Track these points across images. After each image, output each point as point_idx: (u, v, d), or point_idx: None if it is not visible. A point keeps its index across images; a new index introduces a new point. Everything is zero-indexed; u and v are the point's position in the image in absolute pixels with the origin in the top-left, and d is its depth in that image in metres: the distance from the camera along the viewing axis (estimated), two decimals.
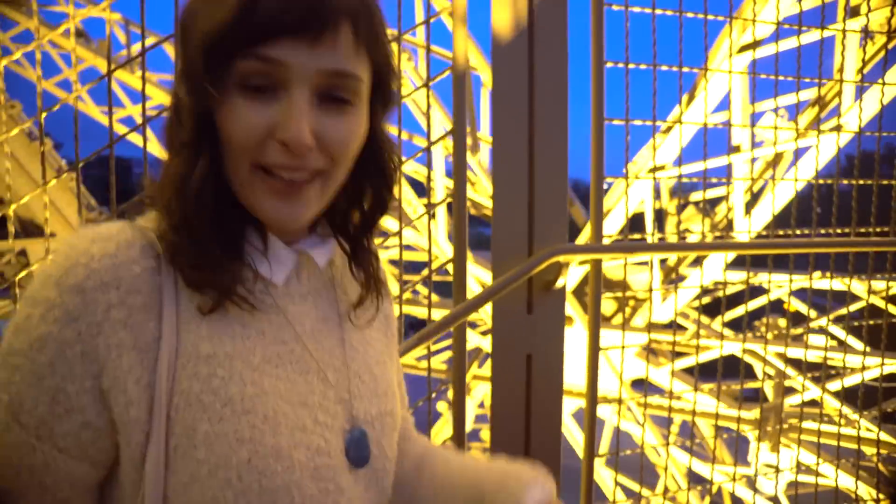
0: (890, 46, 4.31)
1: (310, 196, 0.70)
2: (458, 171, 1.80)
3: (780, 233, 2.37)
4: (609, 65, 1.92)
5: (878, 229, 2.35)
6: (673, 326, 3.10)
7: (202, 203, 0.67)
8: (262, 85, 0.65)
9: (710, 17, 2.04)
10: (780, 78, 2.29)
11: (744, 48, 4.15)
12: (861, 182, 2.38)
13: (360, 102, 0.71)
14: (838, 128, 4.02)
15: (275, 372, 0.72)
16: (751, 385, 6.76)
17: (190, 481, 0.65)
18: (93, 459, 0.67)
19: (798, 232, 2.36)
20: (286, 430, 0.70)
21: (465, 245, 1.82)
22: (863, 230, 2.39)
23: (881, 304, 4.45)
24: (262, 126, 0.66)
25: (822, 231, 2.39)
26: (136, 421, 0.65)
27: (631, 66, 1.95)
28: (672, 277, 5.83)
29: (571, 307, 5.49)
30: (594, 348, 1.96)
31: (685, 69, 2.06)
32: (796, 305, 6.52)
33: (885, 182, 2.40)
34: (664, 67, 1.99)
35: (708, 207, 5.73)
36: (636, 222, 5.54)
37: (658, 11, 1.96)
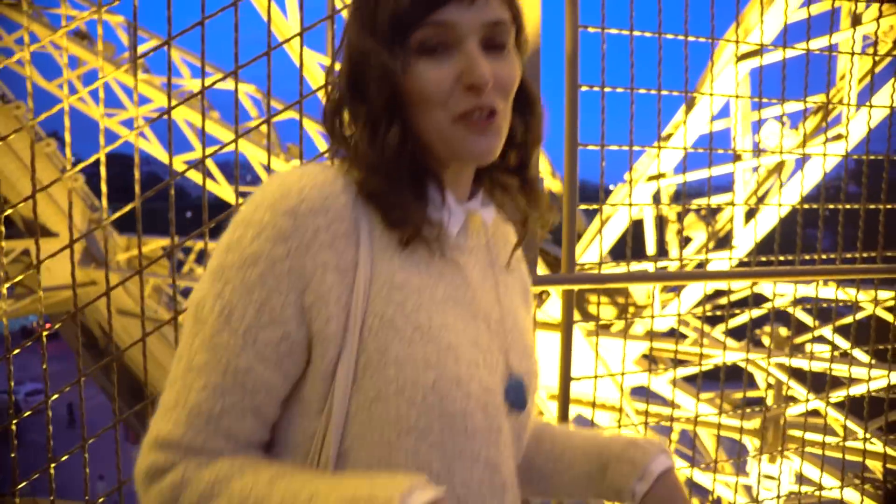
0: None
1: (495, 130, 0.79)
2: None
3: (763, 258, 2.32)
4: (584, 88, 1.87)
5: (864, 255, 2.32)
6: (676, 335, 3.08)
7: (400, 158, 0.77)
8: (438, 45, 0.76)
9: (691, 38, 1.99)
10: (764, 99, 2.26)
11: (744, 56, 4.14)
12: (848, 207, 2.35)
13: (511, 47, 0.81)
14: (838, 136, 3.99)
15: (452, 311, 0.80)
16: (753, 394, 6.77)
17: (375, 398, 0.73)
18: (286, 371, 0.74)
19: (782, 258, 2.32)
20: (464, 362, 0.78)
21: None
22: (848, 255, 2.34)
23: (886, 315, 4.43)
24: (450, 77, 0.76)
25: (807, 257, 2.35)
26: (333, 336, 0.73)
27: (607, 89, 1.88)
28: (673, 285, 5.82)
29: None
30: (566, 378, 1.91)
31: (664, 92, 1.99)
32: (800, 315, 6.52)
33: (871, 206, 2.37)
34: (642, 91, 1.93)
35: (709, 215, 5.72)
36: (637, 227, 5.54)
37: (636, 33, 1.90)
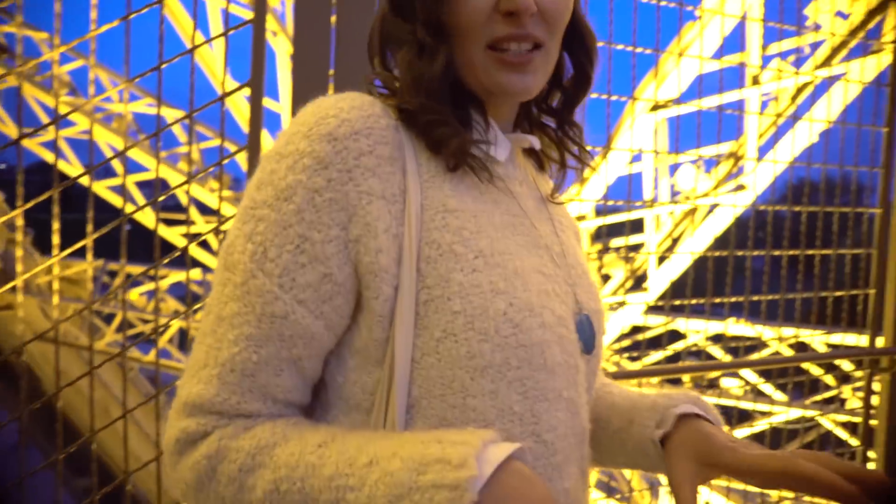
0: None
1: (536, 66, 0.72)
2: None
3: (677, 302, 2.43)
4: None
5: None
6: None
7: (434, 86, 0.70)
8: None
9: (614, 97, 2.11)
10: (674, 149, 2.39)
11: (657, 107, 4.37)
12: (755, 253, 2.50)
13: None
14: (741, 187, 4.25)
15: (513, 238, 0.72)
16: None
17: (443, 336, 0.64)
18: (328, 318, 0.65)
19: (694, 301, 2.43)
20: (534, 289, 0.70)
21: None
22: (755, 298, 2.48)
23: (788, 351, 4.68)
24: (487, 3, 0.69)
25: (717, 300, 2.47)
26: (387, 270, 0.64)
27: None
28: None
29: None
30: None
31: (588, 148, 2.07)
32: (713, 350, 6.79)
33: (775, 252, 2.53)
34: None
35: (628, 254, 5.92)
36: None
37: None
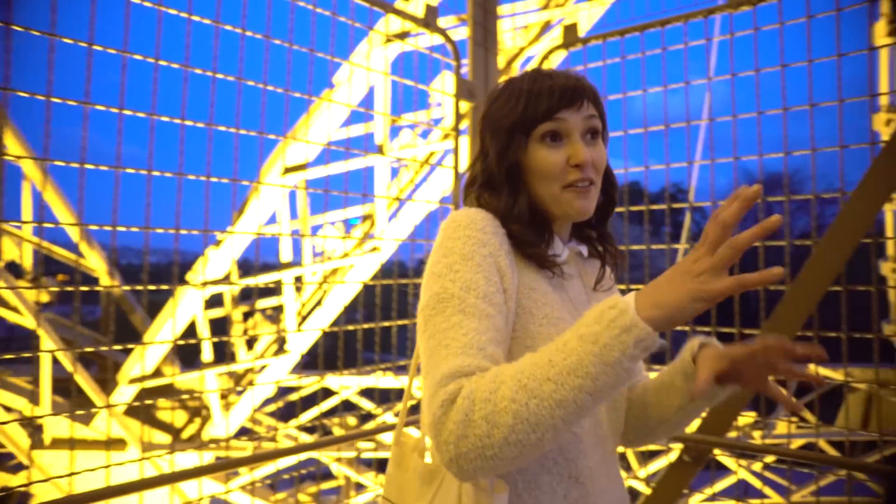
0: (416, 178, 5.18)
1: (592, 195, 1.15)
2: None
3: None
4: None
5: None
6: (251, 435, 3.00)
7: (524, 217, 1.14)
8: (556, 135, 1.13)
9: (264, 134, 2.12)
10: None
11: (290, 170, 4.50)
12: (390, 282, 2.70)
13: (601, 138, 1.18)
14: (374, 248, 4.58)
15: (562, 310, 1.12)
16: (329, 485, 7.02)
17: (520, 354, 0.97)
18: (508, 321, 1.04)
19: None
20: None
21: None
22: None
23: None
24: (563, 158, 1.13)
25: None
26: (512, 312, 1.05)
27: None
28: (243, 384, 5.76)
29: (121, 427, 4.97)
30: None
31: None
32: (365, 404, 7.08)
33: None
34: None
35: (274, 314, 5.89)
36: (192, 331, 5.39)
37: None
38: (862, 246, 2.18)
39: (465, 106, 3.00)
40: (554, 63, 2.89)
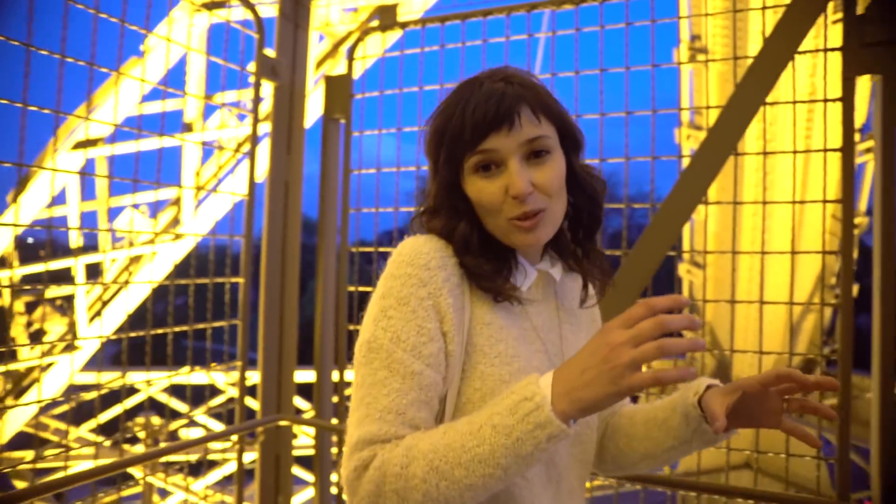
0: (232, 161, 4.86)
1: (544, 224, 1.03)
2: None
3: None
4: None
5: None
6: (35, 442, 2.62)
7: (470, 243, 1.05)
8: (488, 165, 1.02)
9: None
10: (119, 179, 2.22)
11: (82, 145, 4.03)
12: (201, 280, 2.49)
13: (554, 151, 1.04)
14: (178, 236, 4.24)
15: (522, 346, 1.05)
16: (130, 491, 6.43)
17: (467, 401, 0.99)
18: (442, 374, 0.99)
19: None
20: (525, 377, 0.95)
21: None
22: None
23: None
24: (500, 190, 1.01)
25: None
26: (453, 355, 0.99)
27: None
28: (10, 388, 5.09)
29: None
30: None
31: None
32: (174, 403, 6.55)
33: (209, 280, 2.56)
34: None
35: (66, 305, 5.27)
36: None
37: None
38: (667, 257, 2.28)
39: (270, 87, 2.81)
40: (370, 47, 2.78)
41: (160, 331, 2.47)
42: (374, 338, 0.97)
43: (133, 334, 2.39)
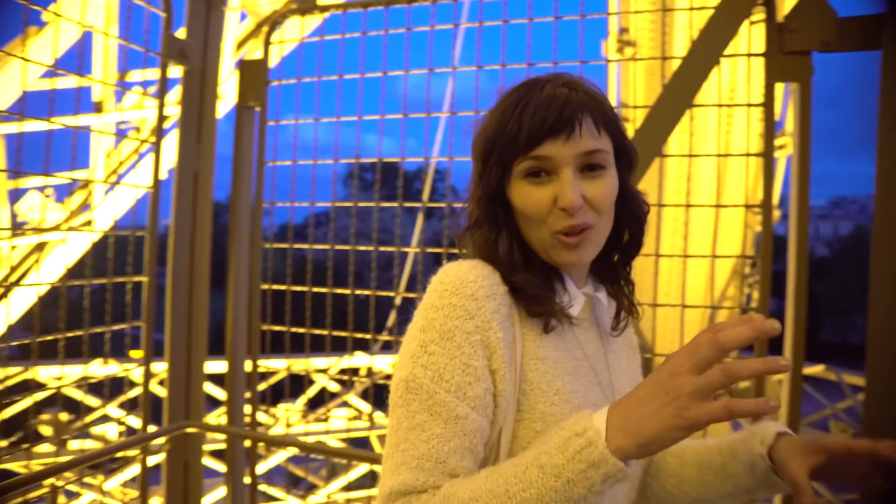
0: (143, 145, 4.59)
1: (589, 243, 0.95)
2: None
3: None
4: None
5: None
6: None
7: (513, 260, 0.97)
8: (539, 172, 0.94)
9: None
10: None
11: None
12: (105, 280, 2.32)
13: (609, 167, 0.96)
14: (89, 223, 4.00)
15: (578, 379, 0.96)
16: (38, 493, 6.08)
17: (526, 447, 0.87)
18: (490, 417, 0.89)
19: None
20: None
21: None
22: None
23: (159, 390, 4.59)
24: (549, 199, 0.93)
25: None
26: (506, 394, 0.89)
27: None
28: None
29: None
30: None
31: None
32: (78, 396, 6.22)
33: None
34: None
35: None
36: None
37: None
38: None
39: (178, 70, 2.62)
40: (289, 32, 2.63)
41: (49, 337, 2.29)
42: (412, 376, 0.87)
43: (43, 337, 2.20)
